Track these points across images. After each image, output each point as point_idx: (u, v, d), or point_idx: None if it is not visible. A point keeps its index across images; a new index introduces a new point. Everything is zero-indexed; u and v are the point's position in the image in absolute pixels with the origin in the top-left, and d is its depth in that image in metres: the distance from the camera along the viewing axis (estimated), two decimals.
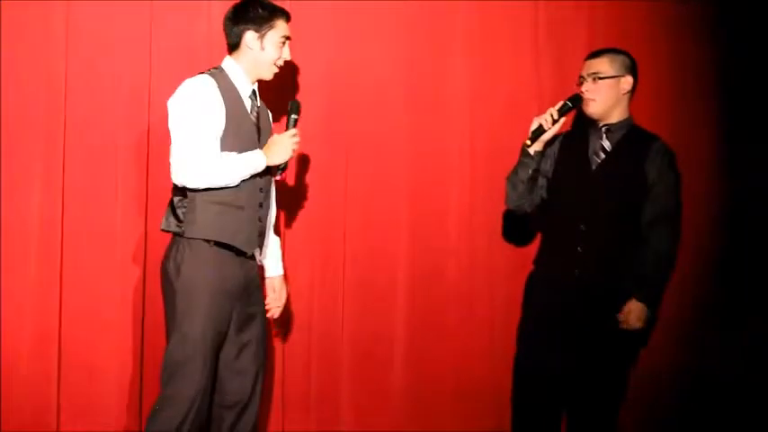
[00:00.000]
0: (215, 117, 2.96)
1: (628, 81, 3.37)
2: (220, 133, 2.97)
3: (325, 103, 3.73)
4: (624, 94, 3.38)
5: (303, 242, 3.72)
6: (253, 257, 3.11)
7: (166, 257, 3.02)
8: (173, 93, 3.00)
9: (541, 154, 3.40)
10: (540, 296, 3.49)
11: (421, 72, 3.87)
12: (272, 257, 3.28)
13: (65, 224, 3.48)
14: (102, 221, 3.51)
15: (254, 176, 3.01)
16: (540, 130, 3.35)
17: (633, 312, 3.31)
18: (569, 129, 3.57)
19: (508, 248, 3.93)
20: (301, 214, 3.73)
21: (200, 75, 3.03)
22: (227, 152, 2.97)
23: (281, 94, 3.47)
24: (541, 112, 3.41)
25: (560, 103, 3.37)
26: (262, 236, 3.12)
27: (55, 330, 3.47)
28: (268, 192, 3.15)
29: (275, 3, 3.13)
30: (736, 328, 4.03)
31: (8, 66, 3.43)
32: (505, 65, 3.94)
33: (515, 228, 3.89)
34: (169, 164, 2.97)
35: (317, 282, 3.75)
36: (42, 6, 3.46)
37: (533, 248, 3.73)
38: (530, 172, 3.39)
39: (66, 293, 3.48)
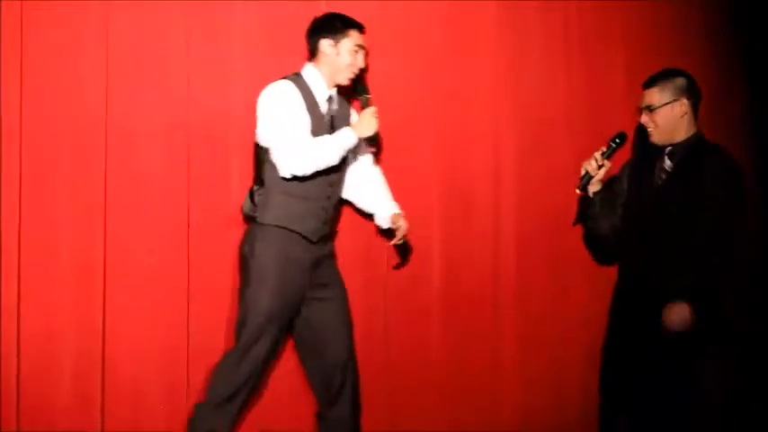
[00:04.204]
0: (302, 114, 3.33)
1: (683, 104, 3.39)
2: (309, 126, 3.32)
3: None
4: (682, 117, 3.40)
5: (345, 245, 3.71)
6: (322, 242, 3.42)
7: (243, 241, 3.39)
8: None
9: (617, 178, 3.55)
10: (615, 314, 3.55)
11: (450, 74, 3.89)
12: (385, 205, 3.60)
13: (107, 236, 3.48)
14: (144, 232, 3.53)
15: (326, 172, 3.33)
16: (588, 177, 3.47)
17: (672, 311, 3.26)
18: (640, 151, 3.66)
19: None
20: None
21: (282, 79, 3.37)
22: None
23: None
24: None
25: (603, 148, 3.48)
26: (326, 223, 3.45)
27: (99, 348, 3.46)
28: (338, 186, 3.48)
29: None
30: None
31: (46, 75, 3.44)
32: (536, 65, 3.98)
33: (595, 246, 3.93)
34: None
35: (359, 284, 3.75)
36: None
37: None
38: (593, 207, 3.56)
39: (108, 309, 3.48)
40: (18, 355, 3.38)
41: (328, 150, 3.30)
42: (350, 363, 3.48)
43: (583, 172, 3.49)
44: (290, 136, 3.27)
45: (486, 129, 3.94)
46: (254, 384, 3.39)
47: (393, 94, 3.78)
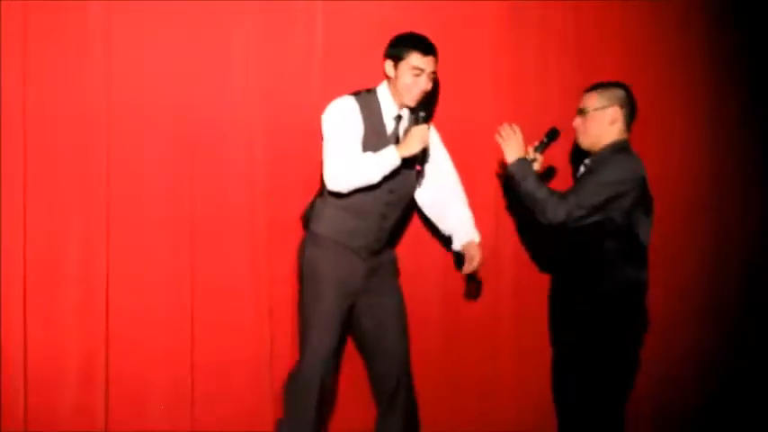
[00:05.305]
0: (354, 133, 3.36)
1: (615, 111, 3.37)
2: (359, 147, 3.34)
3: None
4: (611, 124, 3.37)
5: None
6: (377, 254, 3.47)
7: (299, 248, 3.49)
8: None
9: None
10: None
11: (448, 74, 3.83)
12: (462, 231, 3.56)
13: (110, 245, 3.48)
14: (147, 242, 3.53)
15: (383, 190, 3.36)
16: None
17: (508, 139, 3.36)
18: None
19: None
20: None
21: (347, 96, 3.43)
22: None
23: None
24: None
25: (537, 143, 3.47)
26: (380, 241, 3.47)
27: (102, 355, 3.47)
28: (396, 205, 3.47)
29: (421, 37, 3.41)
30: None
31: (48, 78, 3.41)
32: (534, 66, 3.99)
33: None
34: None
35: None
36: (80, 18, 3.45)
37: None
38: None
39: (112, 315, 3.49)
40: (24, 358, 3.39)
41: (367, 169, 3.29)
42: (403, 377, 3.49)
43: None
44: (333, 153, 3.31)
45: (484, 129, 3.89)
46: (328, 389, 3.44)
47: None
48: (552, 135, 3.50)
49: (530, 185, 3.30)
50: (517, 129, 3.40)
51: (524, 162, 3.35)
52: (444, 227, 3.63)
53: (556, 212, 3.24)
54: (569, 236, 3.33)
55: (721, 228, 4.27)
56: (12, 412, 3.37)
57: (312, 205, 3.48)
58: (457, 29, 3.90)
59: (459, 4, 3.90)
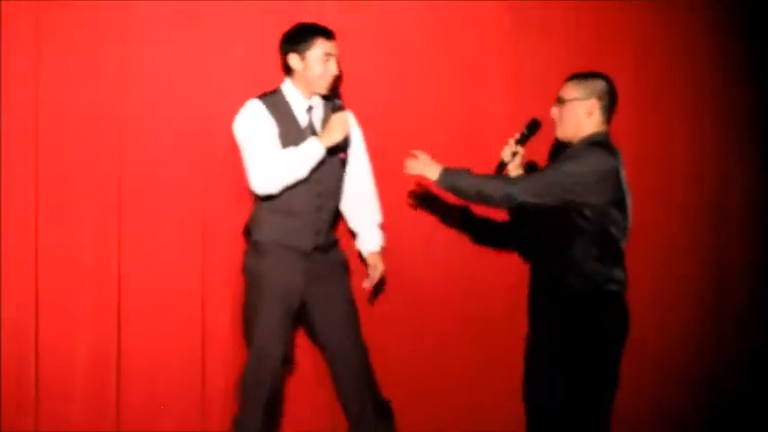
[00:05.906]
0: (268, 134, 3.34)
1: (592, 104, 3.26)
2: (278, 147, 3.32)
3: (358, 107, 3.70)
4: (588, 116, 3.27)
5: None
6: (320, 252, 3.44)
7: (243, 257, 3.48)
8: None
9: None
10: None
11: (451, 75, 3.91)
12: (365, 237, 3.61)
13: (122, 244, 3.53)
14: (158, 241, 3.58)
15: (311, 183, 3.34)
16: (503, 164, 3.42)
17: (420, 163, 3.28)
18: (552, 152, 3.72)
19: None
20: None
21: (252, 99, 3.38)
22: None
23: None
24: None
25: (518, 135, 3.41)
26: (321, 233, 3.44)
27: (114, 354, 3.53)
28: (329, 197, 3.45)
29: (320, 23, 3.40)
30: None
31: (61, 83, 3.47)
32: (538, 66, 3.99)
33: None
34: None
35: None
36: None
37: None
38: None
39: (123, 315, 3.54)
40: (36, 357, 3.44)
41: (293, 164, 3.29)
42: (366, 392, 3.48)
43: (500, 159, 3.44)
44: (254, 157, 3.30)
45: (485, 129, 3.94)
46: (277, 388, 3.43)
47: (394, 95, 3.81)
48: (533, 127, 3.42)
49: (464, 183, 3.22)
50: (417, 152, 3.32)
51: (446, 170, 3.26)
52: (352, 225, 3.64)
53: (503, 193, 3.16)
54: (541, 232, 3.28)
55: (724, 227, 4.26)
56: (23, 411, 3.41)
57: (251, 216, 3.46)
58: (457, 29, 3.92)
59: (460, 4, 3.92)
